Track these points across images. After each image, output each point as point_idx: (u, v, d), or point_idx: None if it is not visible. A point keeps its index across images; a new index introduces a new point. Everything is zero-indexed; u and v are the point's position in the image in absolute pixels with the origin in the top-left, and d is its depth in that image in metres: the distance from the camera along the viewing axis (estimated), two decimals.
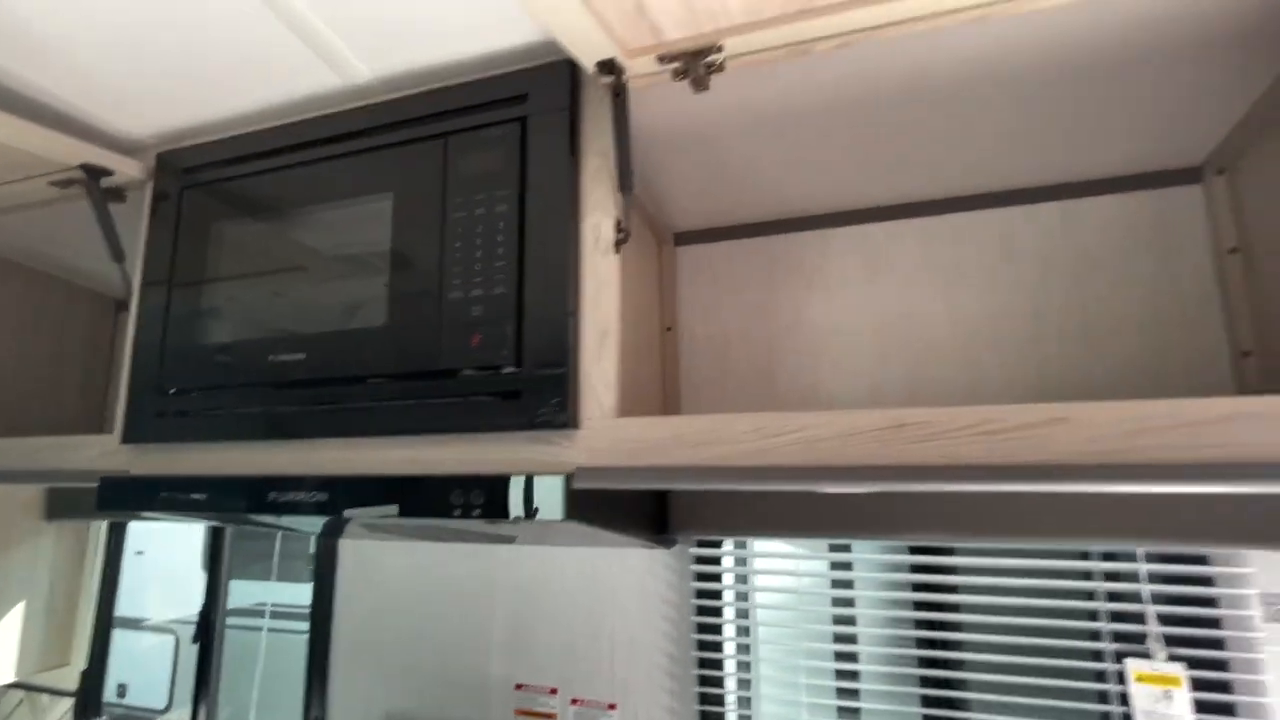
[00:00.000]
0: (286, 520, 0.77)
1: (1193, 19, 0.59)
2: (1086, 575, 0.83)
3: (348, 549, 1.18)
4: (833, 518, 0.88)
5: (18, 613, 1.24)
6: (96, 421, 1.33)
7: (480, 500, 0.58)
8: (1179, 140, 0.77)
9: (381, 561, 1.16)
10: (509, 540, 1.00)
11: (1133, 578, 0.81)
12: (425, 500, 0.61)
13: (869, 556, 0.99)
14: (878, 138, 0.77)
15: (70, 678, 1.33)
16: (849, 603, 0.98)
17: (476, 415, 0.63)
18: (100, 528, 1.37)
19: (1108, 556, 0.83)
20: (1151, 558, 0.80)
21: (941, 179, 0.87)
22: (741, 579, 1.00)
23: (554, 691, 0.99)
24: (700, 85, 0.62)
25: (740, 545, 1.01)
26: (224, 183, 0.79)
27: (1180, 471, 0.45)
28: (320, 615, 1.16)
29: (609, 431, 0.59)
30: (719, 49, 0.58)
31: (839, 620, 0.97)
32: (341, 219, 0.72)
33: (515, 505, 0.58)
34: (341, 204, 0.72)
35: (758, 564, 1.00)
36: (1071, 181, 0.87)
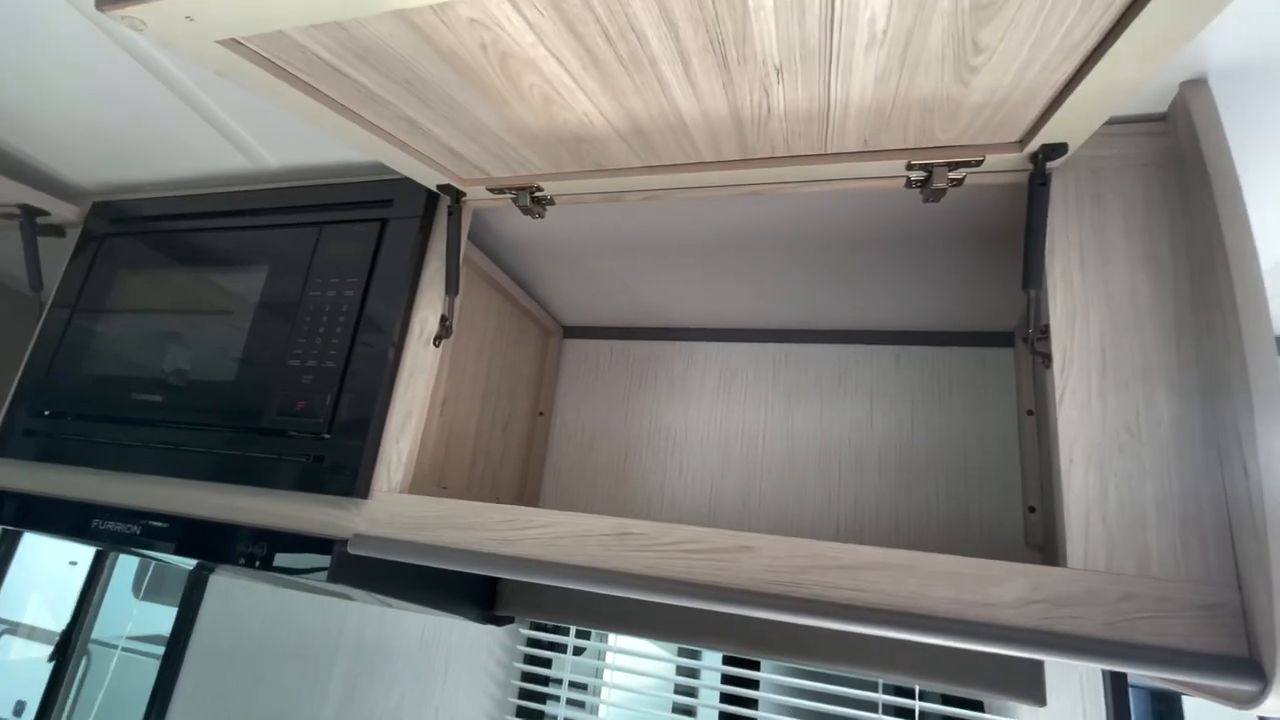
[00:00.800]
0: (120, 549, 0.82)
1: (954, 220, 0.69)
2: (873, 706, 0.85)
3: (217, 584, 1.21)
4: (649, 619, 0.92)
5: None
6: None
7: (261, 553, 0.64)
8: (993, 306, 0.86)
9: (243, 600, 1.18)
10: (346, 598, 1.03)
11: (910, 714, 0.84)
12: (217, 546, 0.67)
13: (709, 666, 1.02)
14: (723, 269, 0.87)
15: None
16: (689, 711, 1.00)
17: (289, 474, 0.70)
18: None
19: (896, 690, 0.86)
20: (928, 697, 0.83)
21: (795, 311, 0.96)
22: (579, 668, 1.02)
23: None
24: (533, 214, 0.72)
25: (584, 635, 1.04)
26: (140, 236, 0.90)
27: (831, 610, 0.51)
28: (175, 645, 1.18)
29: (390, 505, 0.65)
30: (539, 189, 0.69)
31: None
32: (225, 281, 0.81)
33: (287, 562, 0.63)
34: (228, 269, 0.82)
35: (609, 658, 1.02)
36: (905, 329, 0.96)
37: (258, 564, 0.64)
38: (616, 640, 1.04)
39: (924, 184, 0.57)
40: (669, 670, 1.03)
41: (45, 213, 0.92)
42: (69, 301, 0.89)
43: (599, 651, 1.02)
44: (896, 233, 0.72)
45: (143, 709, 1.16)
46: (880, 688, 0.84)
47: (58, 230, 0.98)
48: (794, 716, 1.04)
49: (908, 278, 0.82)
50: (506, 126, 0.57)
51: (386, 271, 0.74)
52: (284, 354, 0.74)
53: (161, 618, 2.91)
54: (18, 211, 0.92)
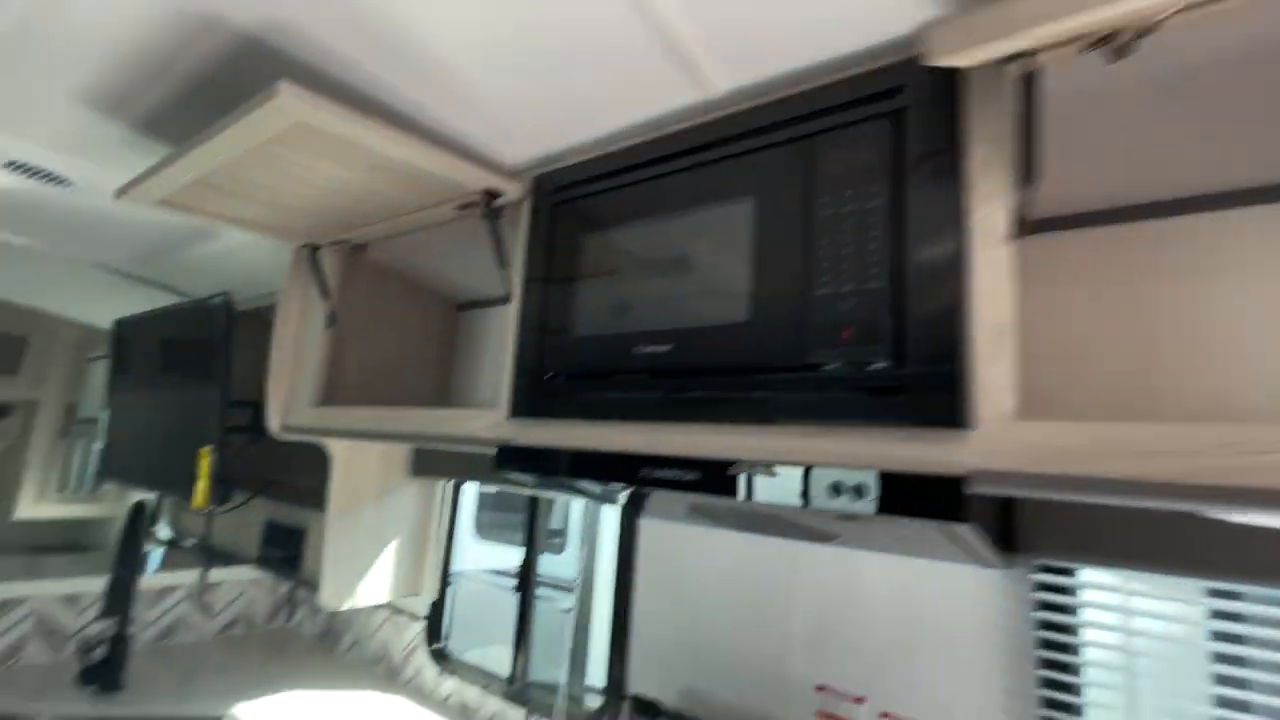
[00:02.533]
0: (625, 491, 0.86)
1: None
2: None
3: (647, 527, 1.28)
4: (1227, 556, 0.73)
5: (391, 549, 1.56)
6: (445, 398, 1.62)
7: (871, 495, 0.59)
8: None
9: (674, 543, 1.24)
10: (828, 539, 0.99)
11: None
12: (805, 488, 0.63)
13: (1264, 610, 0.80)
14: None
15: (419, 605, 1.65)
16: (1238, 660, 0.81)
17: (842, 410, 0.64)
18: (446, 486, 1.67)
19: None
20: None
21: None
22: (1098, 615, 0.88)
23: (860, 700, 0.97)
24: (1122, 54, 0.56)
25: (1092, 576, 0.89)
26: (590, 197, 0.91)
27: None
28: (622, 585, 1.28)
29: (1009, 435, 0.55)
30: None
31: (1225, 680, 0.80)
32: (700, 223, 0.78)
33: (906, 504, 0.57)
34: (699, 210, 0.78)
35: (1135, 603, 0.87)
36: None
37: (864, 505, 0.59)
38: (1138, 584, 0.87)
39: None
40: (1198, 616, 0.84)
41: (501, 194, 0.99)
42: (537, 273, 0.95)
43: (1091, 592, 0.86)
44: None
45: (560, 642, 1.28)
46: None
47: (497, 213, 1.05)
48: None
49: None
50: None
51: (919, 170, 0.63)
52: (807, 283, 0.68)
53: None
54: (479, 197, 1.00)
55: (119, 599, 1.30)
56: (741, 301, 0.72)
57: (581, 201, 0.92)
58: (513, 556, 3.57)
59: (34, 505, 2.98)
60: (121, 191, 1.05)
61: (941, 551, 0.83)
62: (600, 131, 0.91)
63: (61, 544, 3.07)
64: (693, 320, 0.76)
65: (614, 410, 0.81)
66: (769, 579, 1.10)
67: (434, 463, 1.57)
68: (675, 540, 1.24)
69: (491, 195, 0.98)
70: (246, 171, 0.98)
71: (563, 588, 3.19)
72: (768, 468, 0.67)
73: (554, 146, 0.96)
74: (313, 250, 1.33)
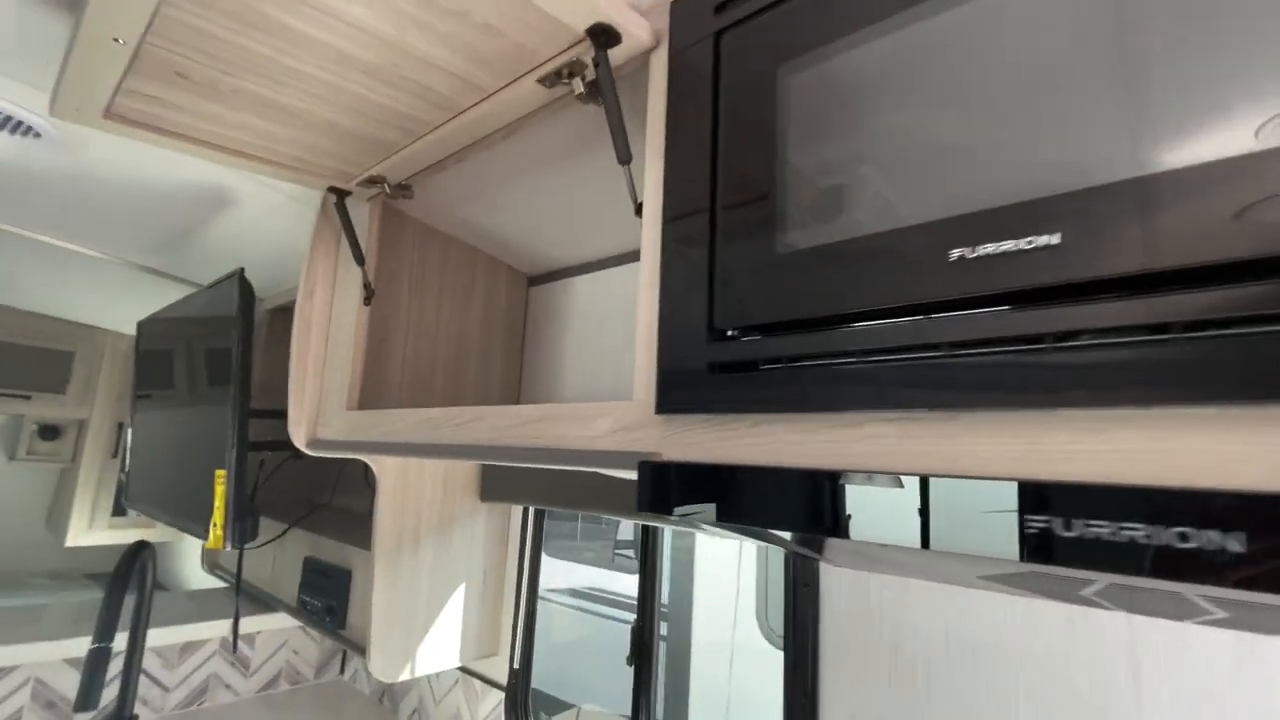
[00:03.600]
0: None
1: None
2: None
3: (830, 570, 0.85)
4: None
5: (459, 597, 1.19)
6: (514, 396, 1.25)
7: None
8: None
9: (868, 594, 0.81)
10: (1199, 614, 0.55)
11: None
12: None
13: None
14: None
15: (499, 668, 1.27)
16: None
17: None
18: (528, 512, 1.29)
19: None
20: None
21: None
22: None
23: None
24: None
25: None
26: (787, 1, 0.49)
27: None
28: (799, 659, 0.86)
29: None
30: None
31: None
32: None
33: None
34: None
35: None
36: None
37: None
38: None
39: None
40: None
41: (618, 38, 0.58)
42: (696, 162, 0.54)
43: None
44: None
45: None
46: None
47: (596, 87, 0.64)
48: None
49: None
50: None
51: None
52: None
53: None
54: (581, 53, 0.60)
55: (97, 675, 0.96)
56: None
57: (771, 17, 0.50)
58: (581, 574, 3.19)
59: (86, 532, 2.79)
60: (55, 98, 0.71)
61: None
62: None
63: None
64: (1118, 171, 0.33)
65: (902, 391, 0.40)
66: (989, 644, 0.66)
67: (514, 483, 1.18)
68: (879, 593, 0.81)
69: (603, 39, 0.58)
70: (224, 43, 0.61)
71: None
72: None
73: None
74: (341, 197, 0.97)
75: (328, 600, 1.24)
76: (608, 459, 0.57)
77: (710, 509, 0.47)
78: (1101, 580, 0.35)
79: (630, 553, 3.21)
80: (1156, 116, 0.33)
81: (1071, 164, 0.35)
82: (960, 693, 0.73)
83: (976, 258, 0.37)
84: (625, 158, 0.60)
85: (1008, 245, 0.36)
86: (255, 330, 1.57)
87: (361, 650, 1.16)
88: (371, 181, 0.93)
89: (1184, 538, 0.29)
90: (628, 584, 3.05)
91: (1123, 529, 0.30)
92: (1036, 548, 0.32)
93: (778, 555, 2.51)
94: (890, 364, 0.40)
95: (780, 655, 2.31)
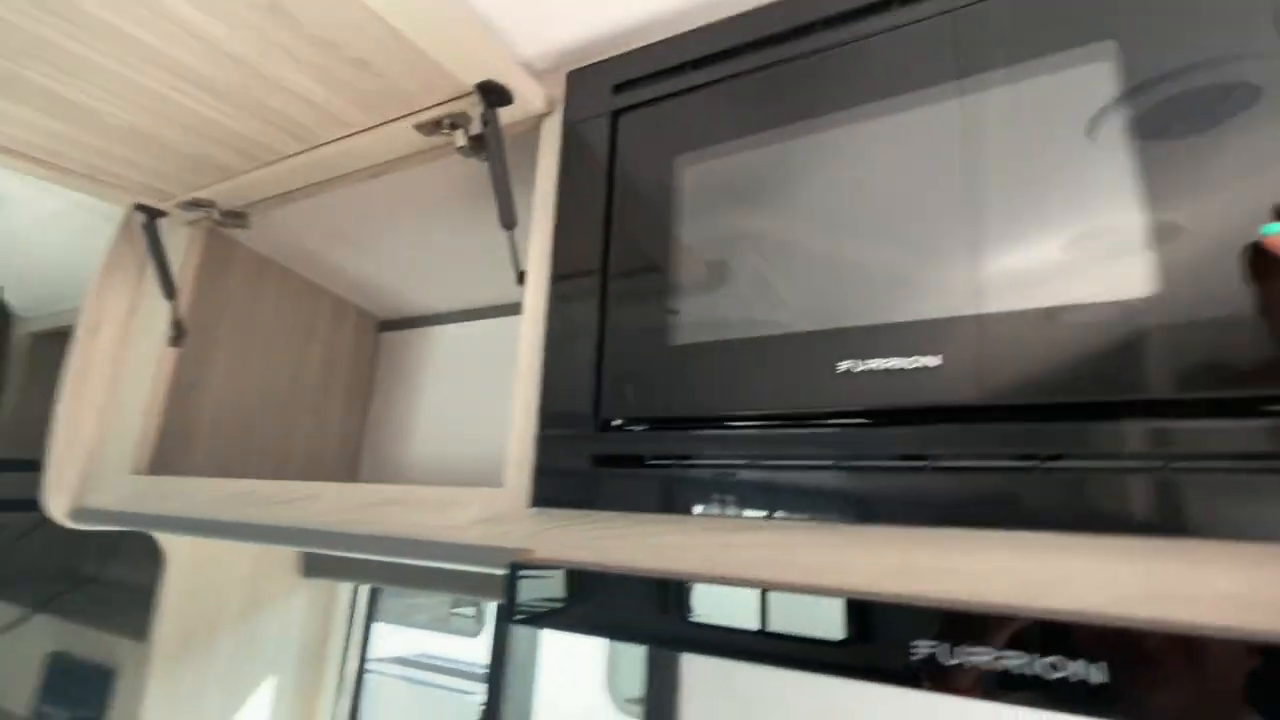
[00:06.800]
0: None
1: None
2: None
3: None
4: None
5: (264, 698, 1.00)
6: (352, 459, 1.11)
7: None
8: None
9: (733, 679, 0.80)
10: None
11: None
12: None
13: None
14: None
15: None
16: None
17: None
18: (347, 589, 1.13)
19: None
20: None
21: None
22: None
23: None
24: None
25: None
26: (689, 94, 0.50)
27: None
28: (660, 701, 0.81)
29: None
30: None
31: None
32: (966, 111, 0.39)
33: None
34: (979, 78, 0.39)
35: None
36: None
37: None
38: None
39: None
40: None
41: (508, 98, 0.55)
42: (587, 241, 0.51)
43: None
44: None
45: None
46: None
47: (480, 141, 0.61)
48: None
49: None
50: None
51: None
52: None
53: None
54: (457, 111, 0.55)
55: None
56: (1141, 260, 0.33)
57: (665, 107, 0.51)
58: (411, 638, 2.90)
59: None
60: None
61: None
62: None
63: None
64: (999, 301, 0.36)
65: (791, 496, 0.39)
66: None
67: (345, 561, 1.04)
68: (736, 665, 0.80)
69: (493, 97, 0.54)
70: (24, 34, 0.49)
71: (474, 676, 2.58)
72: None
73: (608, 25, 0.55)
74: (152, 218, 0.82)
75: (77, 713, 0.98)
76: (472, 554, 0.50)
77: (573, 618, 0.43)
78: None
79: (470, 611, 2.97)
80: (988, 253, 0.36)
81: (940, 289, 0.37)
82: None
83: (864, 371, 0.38)
84: (509, 222, 0.56)
85: (895, 362, 0.37)
86: (8, 359, 1.27)
87: None
88: (196, 204, 0.79)
89: (1054, 667, 0.30)
90: (464, 647, 2.81)
91: (1000, 658, 0.31)
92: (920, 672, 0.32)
93: None
94: (782, 469, 0.39)
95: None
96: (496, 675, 1.01)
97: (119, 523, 0.76)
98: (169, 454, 0.81)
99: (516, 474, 0.50)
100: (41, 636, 1.13)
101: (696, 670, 0.83)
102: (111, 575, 1.31)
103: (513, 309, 1.07)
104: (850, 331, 0.39)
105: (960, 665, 0.31)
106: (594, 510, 0.46)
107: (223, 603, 0.95)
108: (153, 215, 0.81)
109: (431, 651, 2.90)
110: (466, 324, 1.12)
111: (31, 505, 1.29)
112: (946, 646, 0.32)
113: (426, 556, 0.52)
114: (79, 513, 0.80)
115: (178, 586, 0.89)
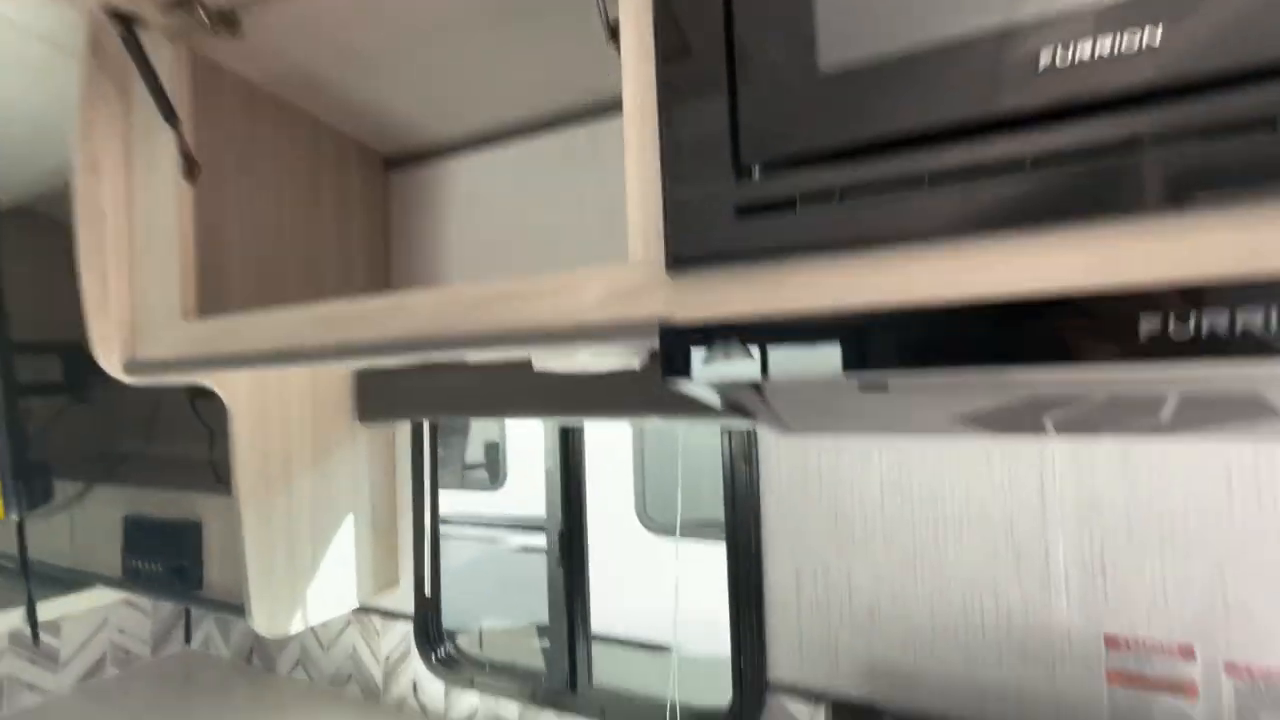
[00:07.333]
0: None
1: None
2: None
3: (769, 442, 0.87)
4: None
5: (348, 530, 1.04)
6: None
7: None
8: None
9: (819, 463, 0.84)
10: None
11: None
12: None
13: None
14: None
15: (398, 600, 1.16)
16: None
17: None
18: (404, 431, 1.14)
19: None
20: None
21: None
22: None
23: (1187, 652, 0.66)
24: None
25: None
26: None
27: None
28: (742, 533, 0.88)
29: None
30: None
31: None
32: None
33: None
34: None
35: None
36: None
37: None
38: None
39: None
40: None
41: None
42: None
43: None
44: None
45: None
46: None
47: None
48: None
49: None
50: None
51: None
52: None
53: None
54: None
55: None
56: None
57: None
58: (457, 498, 3.05)
59: None
60: None
61: None
62: None
63: None
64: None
65: (976, 214, 0.37)
66: (1009, 497, 0.74)
67: (397, 397, 1.03)
68: (817, 458, 0.84)
69: None
70: None
71: (528, 526, 2.77)
72: None
73: None
74: (128, 26, 0.70)
75: (173, 561, 1.02)
76: (600, 333, 0.49)
77: (753, 366, 0.42)
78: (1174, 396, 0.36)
79: (481, 471, 3.11)
80: None
81: None
82: (893, 535, 0.80)
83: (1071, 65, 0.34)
84: None
85: (1104, 46, 0.34)
86: None
87: (230, 610, 0.98)
88: (178, 4, 0.67)
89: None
90: (483, 501, 2.97)
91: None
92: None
93: (656, 447, 2.59)
94: (970, 183, 0.37)
95: (660, 541, 2.43)
96: (569, 489, 1.06)
97: (182, 370, 0.73)
98: (211, 296, 0.77)
99: (645, 245, 0.47)
100: (110, 506, 1.15)
101: (773, 467, 0.87)
102: (153, 451, 1.31)
103: (539, 126, 0.99)
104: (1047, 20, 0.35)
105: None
106: (742, 264, 0.43)
107: (291, 451, 0.95)
108: (128, 23, 0.69)
109: (455, 508, 3.05)
110: (482, 153, 1.04)
111: (59, 388, 1.25)
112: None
113: (543, 344, 0.51)
114: (133, 365, 0.76)
115: (246, 439, 0.89)
